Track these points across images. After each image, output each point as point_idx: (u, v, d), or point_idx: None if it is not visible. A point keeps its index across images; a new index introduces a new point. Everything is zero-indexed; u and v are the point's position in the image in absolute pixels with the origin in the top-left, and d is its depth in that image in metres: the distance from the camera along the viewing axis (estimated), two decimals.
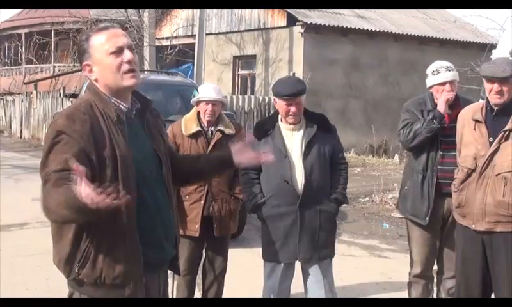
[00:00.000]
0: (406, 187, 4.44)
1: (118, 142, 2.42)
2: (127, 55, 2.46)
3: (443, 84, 4.26)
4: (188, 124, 4.56)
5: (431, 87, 4.34)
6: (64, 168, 2.24)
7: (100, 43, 2.47)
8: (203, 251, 4.68)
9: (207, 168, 2.94)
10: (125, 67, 2.46)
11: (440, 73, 4.28)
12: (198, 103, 4.55)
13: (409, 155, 4.55)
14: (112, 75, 2.47)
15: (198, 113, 4.57)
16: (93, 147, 2.35)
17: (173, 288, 4.65)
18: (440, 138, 4.23)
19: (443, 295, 4.45)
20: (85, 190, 2.05)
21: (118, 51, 2.46)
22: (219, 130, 4.53)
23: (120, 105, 2.51)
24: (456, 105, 4.25)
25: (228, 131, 4.56)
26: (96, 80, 2.50)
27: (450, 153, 4.14)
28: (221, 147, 4.50)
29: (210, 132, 4.55)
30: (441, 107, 4.20)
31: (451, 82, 4.26)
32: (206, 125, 4.54)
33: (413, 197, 4.34)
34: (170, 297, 4.56)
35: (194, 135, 4.51)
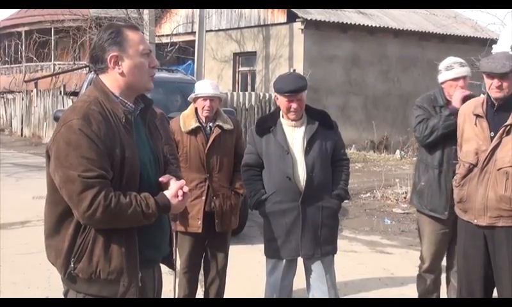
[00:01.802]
0: (422, 183, 4.44)
1: (126, 143, 2.43)
2: (155, 60, 2.59)
3: (457, 79, 4.31)
4: (187, 121, 4.55)
5: (443, 82, 4.38)
6: (94, 172, 2.31)
7: (135, 41, 2.50)
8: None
9: None
10: (153, 71, 2.56)
11: (453, 69, 4.33)
12: (195, 99, 4.55)
13: (420, 150, 4.56)
14: (140, 76, 2.52)
15: (196, 109, 4.56)
16: (108, 148, 2.37)
17: (175, 285, 4.64)
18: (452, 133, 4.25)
19: (455, 285, 4.42)
20: (180, 204, 2.49)
21: (148, 54, 2.53)
22: (218, 126, 4.53)
23: (127, 105, 2.52)
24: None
25: (227, 126, 4.55)
26: (122, 73, 2.49)
27: None
28: (220, 142, 4.51)
29: (209, 128, 4.54)
30: (458, 104, 4.21)
31: (464, 78, 4.31)
32: (204, 120, 4.54)
33: (431, 193, 4.36)
34: (172, 294, 4.59)
35: (193, 132, 4.51)
